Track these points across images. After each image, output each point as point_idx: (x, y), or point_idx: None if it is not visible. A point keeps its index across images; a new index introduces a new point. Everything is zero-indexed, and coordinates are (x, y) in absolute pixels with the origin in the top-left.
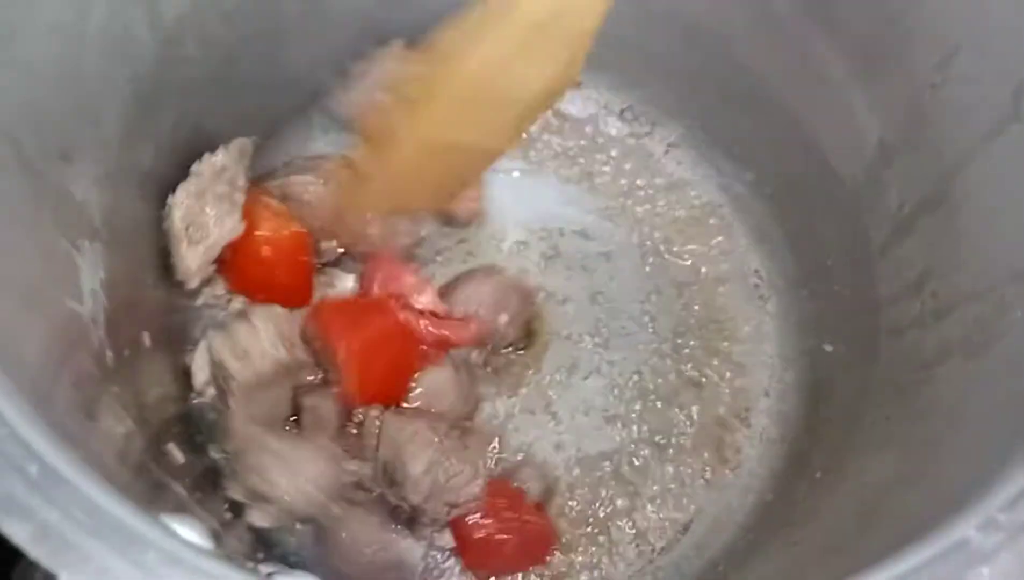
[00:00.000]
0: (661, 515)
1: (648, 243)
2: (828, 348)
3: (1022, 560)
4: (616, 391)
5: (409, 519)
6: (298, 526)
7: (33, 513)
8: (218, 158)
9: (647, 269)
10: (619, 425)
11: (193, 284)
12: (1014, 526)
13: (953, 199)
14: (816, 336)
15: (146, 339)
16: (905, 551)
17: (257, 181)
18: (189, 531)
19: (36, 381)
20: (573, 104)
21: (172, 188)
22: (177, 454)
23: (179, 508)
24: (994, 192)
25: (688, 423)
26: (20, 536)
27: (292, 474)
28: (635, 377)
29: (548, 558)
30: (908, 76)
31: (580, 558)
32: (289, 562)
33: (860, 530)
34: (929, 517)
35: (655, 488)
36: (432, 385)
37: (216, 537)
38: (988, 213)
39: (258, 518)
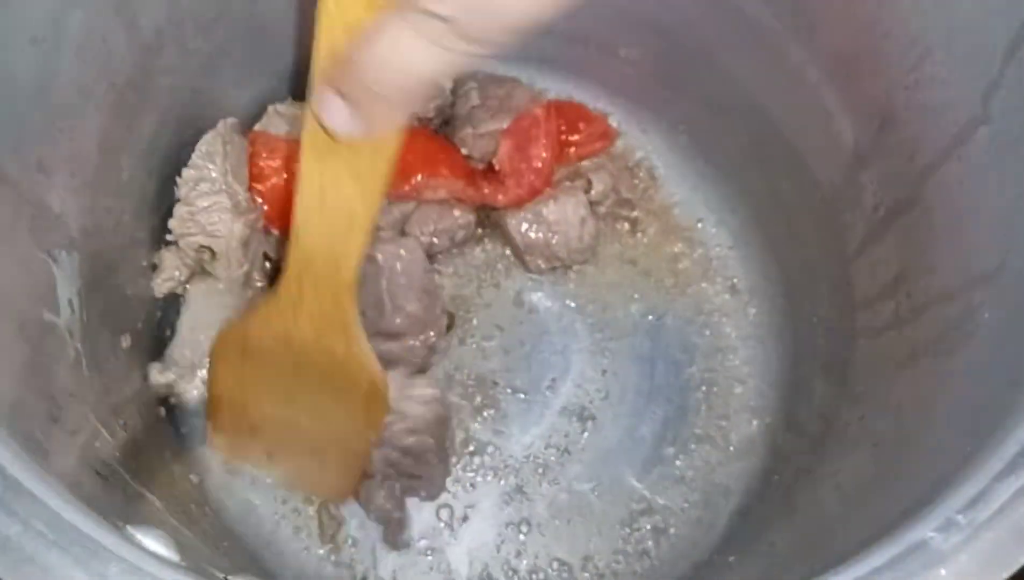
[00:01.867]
0: (641, 519)
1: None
2: (806, 349)
3: (980, 560)
4: (582, 392)
5: None
6: None
7: None
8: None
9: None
10: (599, 427)
11: None
12: (972, 527)
13: (926, 201)
14: (795, 338)
15: (124, 348)
16: (865, 553)
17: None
18: (155, 543)
19: (5, 392)
20: None
21: (150, 195)
22: (153, 462)
23: (151, 518)
24: (964, 194)
25: (667, 426)
26: None
27: None
28: (612, 379)
29: None
30: (882, 78)
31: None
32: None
33: (833, 532)
34: (898, 518)
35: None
36: None
37: (183, 548)
38: (959, 215)
39: None
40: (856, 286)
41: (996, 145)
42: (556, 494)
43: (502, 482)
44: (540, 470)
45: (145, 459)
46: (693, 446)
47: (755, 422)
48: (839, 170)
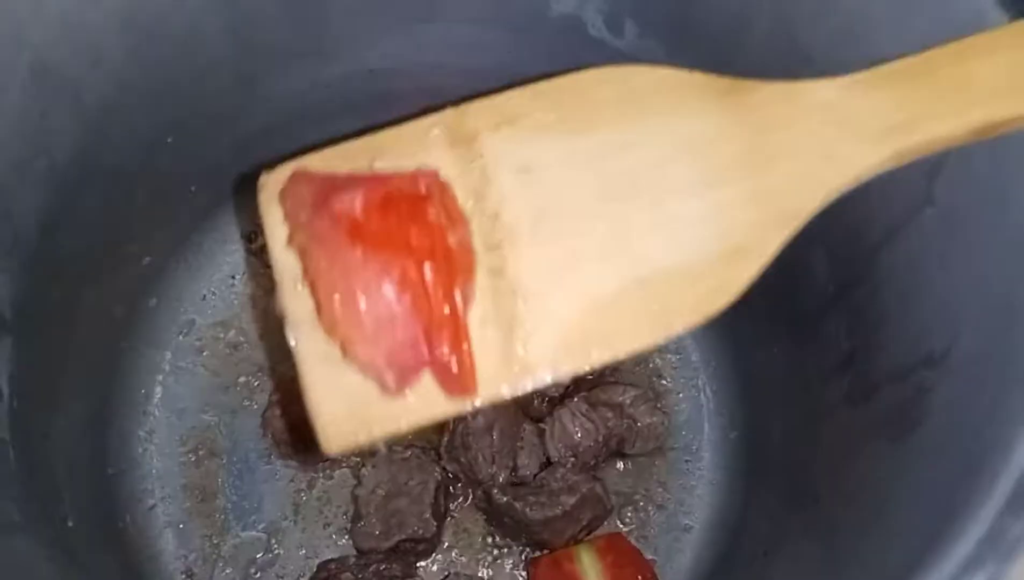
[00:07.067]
0: None
1: None
2: (760, 424)
3: None
4: None
5: None
6: None
7: None
8: None
9: None
10: None
11: None
12: None
13: (874, 280)
14: (752, 415)
15: (57, 433)
16: None
17: None
18: None
19: None
20: None
21: (92, 272)
22: (91, 555)
23: None
24: (911, 274)
25: (631, 506)
26: None
27: None
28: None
29: None
30: None
31: None
32: None
33: None
34: None
35: None
36: None
37: None
38: (906, 295)
39: None
40: (810, 363)
41: (941, 226)
42: None
43: None
44: None
45: (84, 557)
46: (656, 529)
47: (716, 503)
48: (790, 246)
